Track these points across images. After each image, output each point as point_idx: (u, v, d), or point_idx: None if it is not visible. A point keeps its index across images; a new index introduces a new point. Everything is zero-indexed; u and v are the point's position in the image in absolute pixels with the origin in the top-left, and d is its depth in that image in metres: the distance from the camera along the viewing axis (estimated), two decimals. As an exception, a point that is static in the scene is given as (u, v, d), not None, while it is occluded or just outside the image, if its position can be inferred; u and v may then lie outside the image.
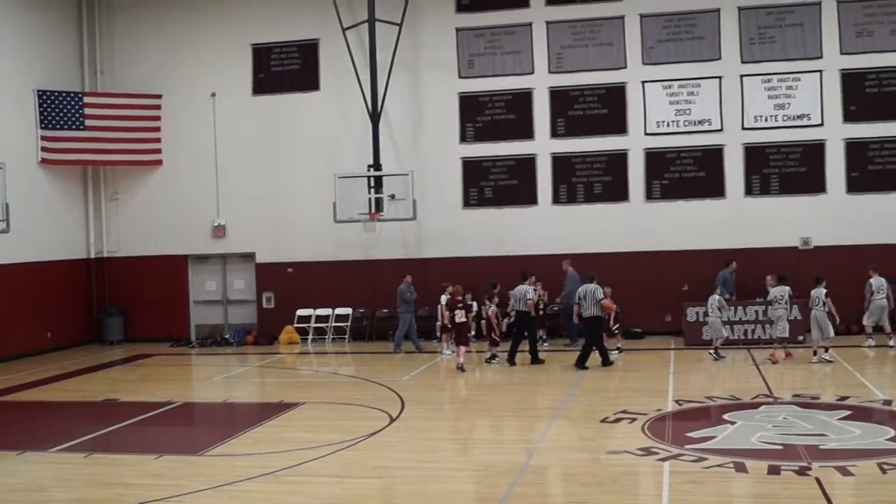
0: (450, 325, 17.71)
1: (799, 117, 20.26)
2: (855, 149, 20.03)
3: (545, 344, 19.16)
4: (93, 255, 23.18)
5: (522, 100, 21.34)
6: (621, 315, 18.47)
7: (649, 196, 20.84)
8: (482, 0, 21.42)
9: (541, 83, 21.24)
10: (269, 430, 12.56)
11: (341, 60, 21.34)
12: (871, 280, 17.90)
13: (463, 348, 17.08)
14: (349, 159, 21.34)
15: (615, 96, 20.95)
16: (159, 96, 22.84)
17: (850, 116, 20.05)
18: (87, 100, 22.22)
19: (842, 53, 20.04)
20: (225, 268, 23.19)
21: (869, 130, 19.95)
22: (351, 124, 21.76)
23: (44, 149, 21.59)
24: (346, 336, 21.71)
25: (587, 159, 21.10)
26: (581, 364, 16.39)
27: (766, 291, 18.38)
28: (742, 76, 20.41)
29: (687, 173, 20.71)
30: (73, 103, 21.96)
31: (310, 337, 21.79)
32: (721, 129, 20.53)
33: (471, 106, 21.55)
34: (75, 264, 22.70)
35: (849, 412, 12.13)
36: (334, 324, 21.85)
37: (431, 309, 20.02)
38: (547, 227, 21.04)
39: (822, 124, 20.16)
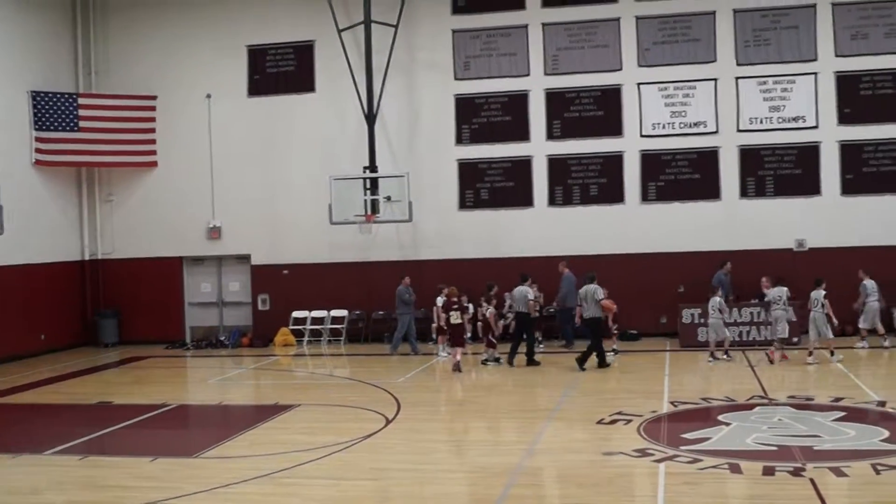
0: (445, 327, 17.71)
1: (794, 119, 20.31)
2: (849, 151, 20.07)
3: (541, 346, 19.15)
4: (87, 257, 23.12)
5: (518, 102, 21.36)
6: (618, 316, 18.49)
7: (645, 198, 20.86)
8: (478, 2, 21.43)
9: (537, 85, 21.26)
10: (264, 433, 12.54)
11: (337, 62, 21.33)
12: (866, 282, 17.95)
13: (459, 349, 17.08)
14: (345, 161, 21.32)
15: (611, 98, 20.97)
16: (154, 97, 22.81)
17: (844, 119, 20.11)
18: (81, 101, 22.18)
19: (836, 56, 20.09)
20: (220, 270, 23.15)
21: (863, 133, 20.01)
22: (347, 126, 21.75)
23: (38, 150, 21.53)
24: (342, 338, 21.68)
25: (583, 161, 21.12)
26: (581, 364, 16.46)
27: (760, 293, 18.45)
28: (737, 78, 20.45)
29: (682, 175, 20.74)
30: (67, 104, 21.91)
31: (305, 339, 21.76)
32: (716, 131, 20.56)
33: (467, 108, 21.56)
34: (69, 266, 22.65)
35: (843, 413, 12.16)
36: (330, 326, 21.82)
37: (427, 311, 20.01)
38: (543, 229, 21.04)
39: (816, 126, 20.20)
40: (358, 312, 21.86)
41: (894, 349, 17.86)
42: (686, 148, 20.71)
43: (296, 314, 22.03)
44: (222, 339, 22.39)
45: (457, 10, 21.54)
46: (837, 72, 20.09)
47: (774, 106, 20.38)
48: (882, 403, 12.78)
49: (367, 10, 20.83)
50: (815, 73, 20.17)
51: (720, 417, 12.15)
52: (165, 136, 22.80)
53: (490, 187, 21.51)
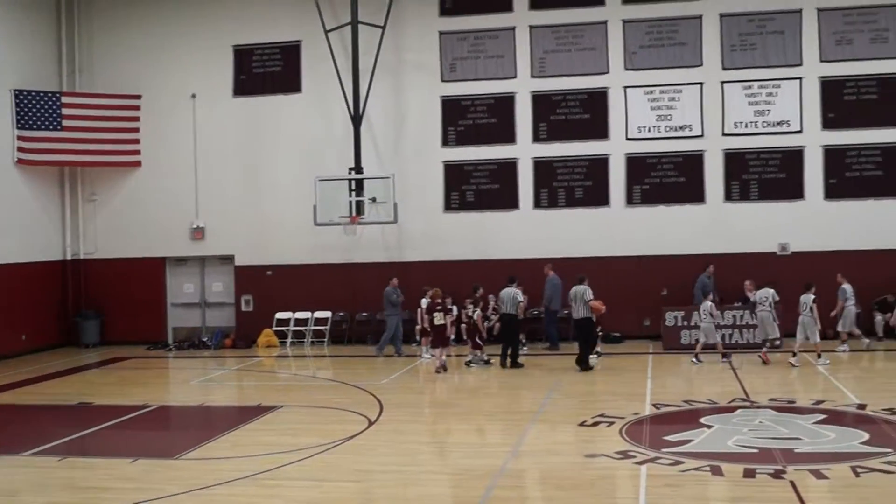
0: (429, 329, 17.69)
1: (778, 124, 20.42)
2: (833, 156, 20.20)
3: (525, 348, 19.16)
4: (69, 257, 22.95)
5: (505, 104, 21.37)
6: (602, 319, 18.49)
7: (630, 201, 20.91)
8: (465, 4, 21.44)
9: (523, 87, 21.28)
10: (246, 434, 12.47)
11: (323, 63, 21.28)
12: (845, 286, 18.09)
13: (441, 350, 17.07)
14: (330, 162, 21.27)
15: (597, 101, 21.02)
16: (139, 97, 22.68)
17: (828, 123, 20.23)
18: (64, 100, 22.02)
19: (821, 61, 20.22)
20: (203, 270, 23.03)
21: (847, 138, 20.13)
22: (332, 127, 21.70)
23: (20, 149, 21.36)
24: (325, 339, 21.62)
25: (569, 164, 21.15)
26: (584, 366, 16.55)
27: (743, 296, 18.53)
28: (723, 82, 20.54)
29: (667, 178, 20.80)
30: (50, 103, 21.75)
31: (288, 340, 21.69)
32: (702, 135, 20.65)
33: (453, 109, 21.56)
34: (51, 266, 22.47)
35: (824, 416, 12.23)
36: (313, 327, 21.75)
37: (411, 312, 19.97)
38: (528, 231, 21.06)
39: (801, 131, 20.32)
40: (342, 314, 21.80)
41: (875, 352, 18.00)
42: (671, 151, 20.78)
43: (279, 315, 21.94)
44: (205, 340, 22.27)
45: (444, 11, 21.54)
46: (822, 77, 20.21)
47: (759, 110, 20.48)
48: (862, 406, 12.85)
49: (354, 10, 20.80)
50: (800, 78, 20.28)
51: (702, 420, 12.18)
52: (150, 135, 22.66)
53: (476, 189, 21.51)
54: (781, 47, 20.37)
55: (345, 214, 20.24)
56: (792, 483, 9.15)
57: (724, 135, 20.57)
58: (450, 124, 21.57)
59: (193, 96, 22.46)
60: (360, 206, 20.25)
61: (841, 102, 20.16)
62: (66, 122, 21.92)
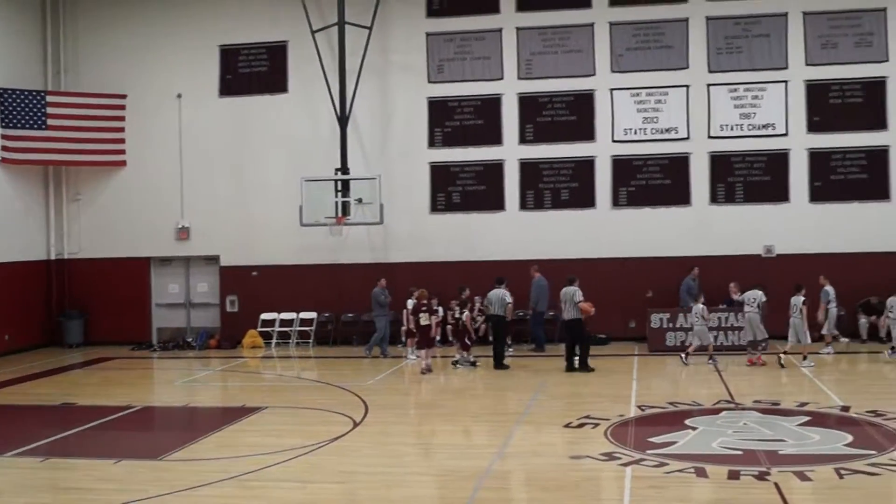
0: (415, 330, 17.66)
1: (764, 127, 20.51)
2: (818, 159, 20.31)
3: (510, 349, 19.16)
4: (53, 257, 22.79)
5: (491, 105, 21.38)
6: (588, 320, 18.49)
7: (616, 203, 20.96)
8: (453, 5, 21.43)
9: (510, 89, 21.30)
10: (231, 435, 12.41)
11: (310, 63, 21.22)
12: (827, 288, 18.23)
13: (427, 351, 17.05)
14: (316, 162, 21.20)
15: (583, 103, 21.06)
16: (124, 96, 22.55)
17: (813, 127, 20.34)
18: (49, 99, 21.87)
19: (807, 64, 20.33)
20: (188, 270, 22.92)
21: (832, 141, 20.25)
22: (319, 127, 21.65)
23: (4, 148, 21.20)
24: (311, 340, 21.56)
25: (555, 165, 21.18)
26: (584, 366, 16.55)
27: (728, 298, 18.59)
28: (709, 85, 20.63)
29: (653, 181, 20.87)
30: (35, 102, 21.60)
31: (273, 341, 21.59)
32: (687, 138, 20.72)
33: (439, 111, 21.54)
34: (35, 266, 22.31)
35: (808, 418, 12.27)
36: (298, 328, 21.68)
37: (397, 313, 19.95)
38: (514, 233, 21.07)
39: (786, 134, 20.42)
40: (327, 314, 21.74)
41: (857, 354, 18.12)
42: (657, 154, 20.84)
43: (264, 316, 21.86)
44: (190, 340, 22.16)
45: (431, 13, 21.53)
46: (807, 80, 20.33)
47: (745, 113, 20.57)
48: (846, 408, 12.92)
49: (340, 11, 20.76)
50: (786, 81, 20.39)
51: (687, 422, 12.21)
52: (135, 135, 22.54)
53: (462, 191, 21.51)
54: (767, 50, 20.47)
55: (331, 215, 20.18)
56: (776, 485, 9.18)
57: (709, 137, 20.65)
58: (436, 125, 21.56)
59: (179, 96, 22.36)
60: (346, 206, 20.21)
61: (826, 106, 20.28)
62: (50, 122, 21.77)
